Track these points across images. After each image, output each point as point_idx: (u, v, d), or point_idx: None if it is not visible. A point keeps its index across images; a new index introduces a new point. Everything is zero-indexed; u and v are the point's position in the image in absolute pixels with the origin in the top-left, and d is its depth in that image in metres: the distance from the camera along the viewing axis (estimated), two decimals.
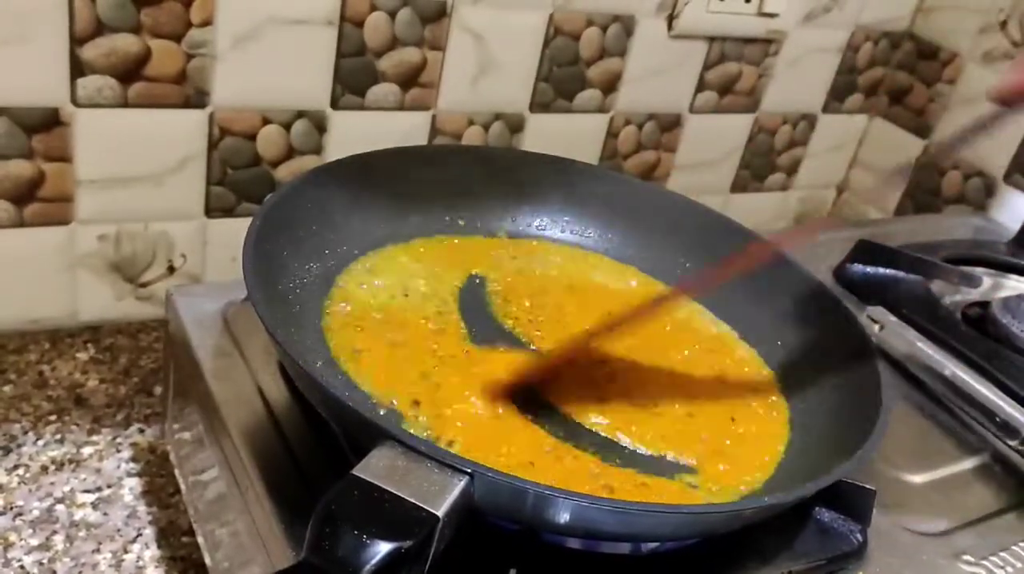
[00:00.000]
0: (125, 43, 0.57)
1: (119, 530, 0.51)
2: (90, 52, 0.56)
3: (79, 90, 0.57)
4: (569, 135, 0.77)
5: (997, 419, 0.54)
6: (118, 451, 0.56)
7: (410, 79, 0.67)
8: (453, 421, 0.42)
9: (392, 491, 0.33)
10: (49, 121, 0.58)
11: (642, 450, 0.44)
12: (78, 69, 0.57)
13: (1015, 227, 0.79)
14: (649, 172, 0.83)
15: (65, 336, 0.64)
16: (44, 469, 0.54)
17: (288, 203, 0.48)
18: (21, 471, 0.53)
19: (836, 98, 0.90)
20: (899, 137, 0.92)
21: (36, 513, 0.51)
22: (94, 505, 0.52)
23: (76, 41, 0.56)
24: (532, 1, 0.69)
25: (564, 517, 0.35)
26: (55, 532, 0.50)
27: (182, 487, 0.51)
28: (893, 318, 0.61)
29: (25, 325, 0.63)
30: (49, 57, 0.56)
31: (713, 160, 0.87)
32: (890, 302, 0.63)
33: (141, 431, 0.58)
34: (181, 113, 0.61)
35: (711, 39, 0.78)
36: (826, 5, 0.83)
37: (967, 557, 0.46)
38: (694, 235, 0.58)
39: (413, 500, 0.32)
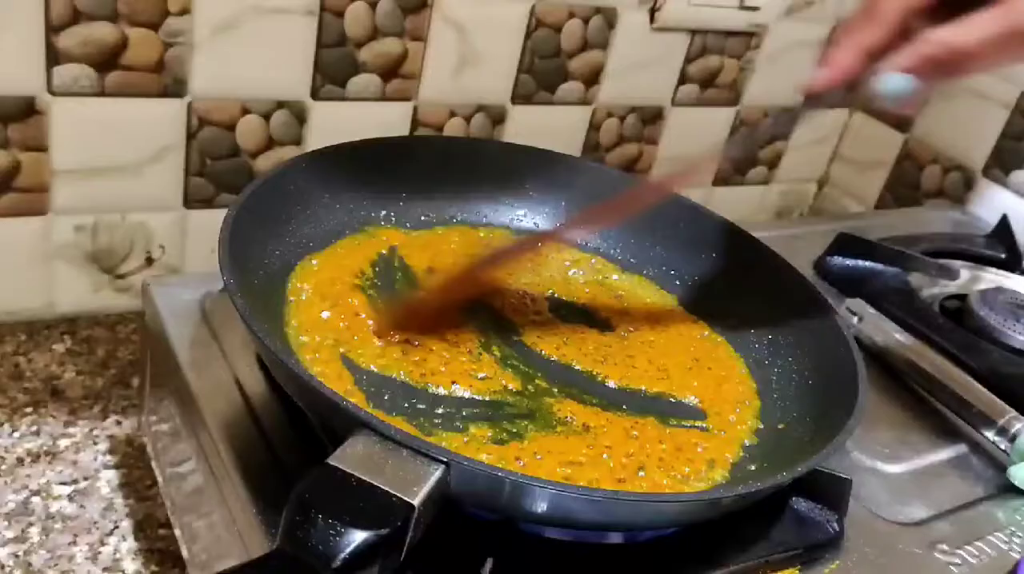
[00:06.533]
0: (102, 31, 0.57)
1: (96, 522, 0.51)
2: (66, 40, 0.56)
3: (55, 79, 0.57)
4: (551, 127, 0.77)
5: (974, 409, 0.55)
6: (95, 443, 0.56)
7: (391, 70, 0.67)
8: None
9: (367, 480, 0.32)
10: (25, 110, 0.57)
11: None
12: (54, 58, 0.56)
13: (993, 221, 0.79)
14: (631, 165, 0.83)
15: (42, 327, 0.63)
16: (20, 461, 0.53)
17: (266, 193, 0.48)
18: None
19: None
20: (879, 131, 0.93)
21: (12, 505, 0.51)
22: (70, 497, 0.52)
23: (52, 29, 0.55)
24: None
25: (541, 506, 0.35)
26: (31, 524, 0.50)
27: (159, 479, 0.51)
28: (872, 310, 0.61)
29: (1, 316, 0.63)
30: (24, 45, 0.55)
31: (695, 153, 0.87)
32: (869, 294, 0.64)
33: (118, 423, 0.58)
34: (159, 102, 0.60)
35: (693, 32, 0.78)
36: None
37: (943, 546, 0.46)
38: (676, 228, 0.58)
39: (388, 489, 0.32)
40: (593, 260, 0.58)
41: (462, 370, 0.45)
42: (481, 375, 0.45)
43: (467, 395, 0.44)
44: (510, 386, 0.45)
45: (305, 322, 0.46)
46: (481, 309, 0.51)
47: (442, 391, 0.44)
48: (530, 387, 0.46)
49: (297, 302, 0.47)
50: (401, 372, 0.44)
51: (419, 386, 0.44)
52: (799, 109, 0.46)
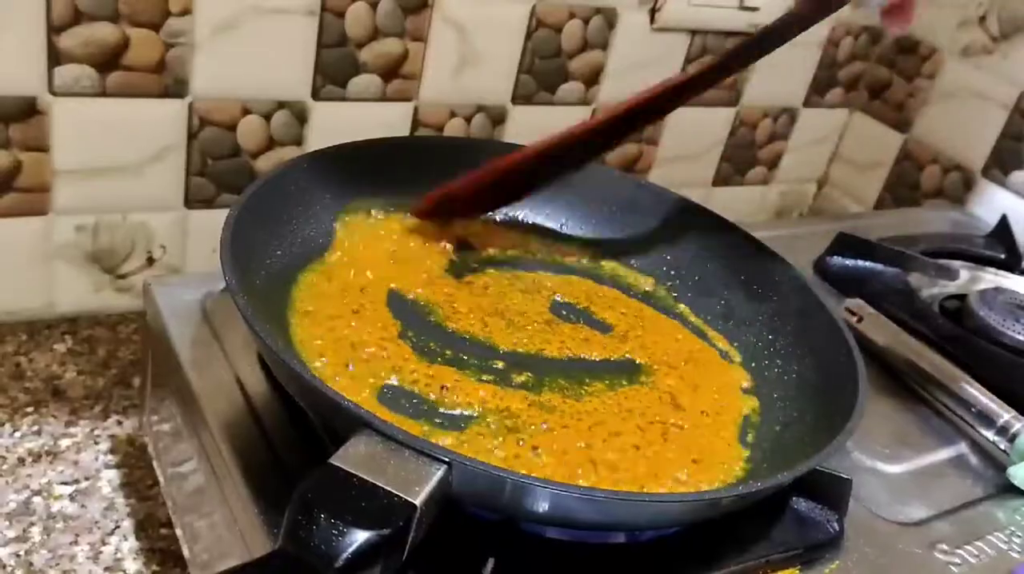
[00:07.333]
0: (103, 32, 0.57)
1: (97, 522, 0.51)
2: (67, 41, 0.56)
3: (56, 79, 0.57)
4: (551, 127, 0.76)
5: (973, 409, 0.55)
6: (96, 443, 0.56)
7: (392, 70, 0.67)
8: None
9: (369, 480, 0.33)
10: (26, 110, 0.57)
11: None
12: (55, 58, 0.56)
13: (993, 221, 0.79)
14: (631, 165, 0.83)
15: (42, 327, 0.63)
16: (21, 461, 0.54)
17: (268, 193, 0.48)
18: None
19: (817, 92, 0.91)
20: (879, 132, 0.93)
21: (13, 505, 0.51)
22: (72, 497, 0.52)
23: (53, 30, 0.55)
24: None
25: (542, 506, 0.35)
26: (32, 524, 0.50)
27: (160, 479, 0.51)
28: (872, 310, 0.62)
29: (1, 316, 0.63)
30: (26, 46, 0.55)
31: (695, 153, 0.87)
32: (869, 294, 0.64)
33: (119, 423, 0.58)
34: (160, 103, 0.61)
35: (693, 32, 0.78)
36: None
37: (942, 546, 0.47)
38: (675, 228, 0.58)
39: (390, 489, 0.32)
40: (591, 259, 0.58)
41: (468, 387, 0.45)
42: (482, 393, 0.45)
43: (472, 406, 0.44)
44: (513, 406, 0.45)
45: (308, 322, 0.46)
46: (482, 310, 0.51)
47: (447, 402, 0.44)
48: (533, 392, 0.46)
49: (301, 302, 0.47)
50: (405, 376, 0.44)
51: (422, 390, 0.44)
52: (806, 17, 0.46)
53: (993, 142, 0.84)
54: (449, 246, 0.55)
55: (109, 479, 0.54)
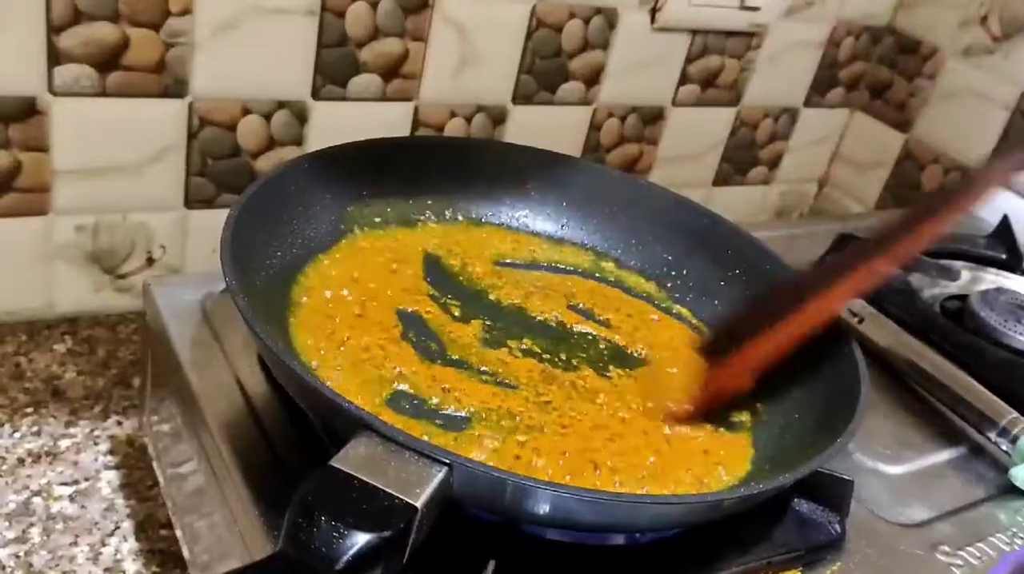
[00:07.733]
0: (103, 32, 0.57)
1: (97, 523, 0.51)
2: (67, 41, 0.56)
3: (56, 79, 0.57)
4: (551, 127, 0.76)
5: (975, 410, 0.55)
6: (96, 444, 0.56)
7: (392, 70, 0.67)
8: None
9: (370, 482, 0.32)
10: (26, 110, 0.57)
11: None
12: (55, 58, 0.56)
13: (994, 221, 0.79)
14: (631, 165, 0.83)
15: (42, 328, 0.63)
16: (21, 461, 0.53)
17: (268, 193, 0.48)
18: None
19: (818, 92, 0.90)
20: (880, 131, 0.93)
21: (12, 506, 0.51)
22: (71, 498, 0.52)
23: (53, 29, 0.55)
24: None
25: (543, 508, 0.35)
26: (32, 525, 0.50)
27: (160, 480, 0.51)
28: (873, 310, 0.62)
29: (1, 316, 0.63)
30: (25, 46, 0.55)
31: (695, 153, 0.87)
32: (869, 295, 0.64)
33: (119, 423, 0.58)
34: (160, 103, 0.60)
35: (694, 32, 0.78)
36: None
37: (944, 548, 0.46)
38: (676, 229, 0.58)
39: (391, 491, 0.32)
40: (592, 260, 0.58)
41: (469, 388, 0.45)
42: (483, 394, 0.45)
43: (472, 407, 0.44)
44: (514, 407, 0.45)
45: (309, 323, 0.46)
46: (486, 311, 0.51)
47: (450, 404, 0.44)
48: (535, 392, 0.46)
49: (301, 303, 0.47)
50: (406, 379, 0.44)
51: (423, 392, 0.44)
52: None
53: (994, 142, 0.84)
54: None
55: (109, 480, 0.54)
